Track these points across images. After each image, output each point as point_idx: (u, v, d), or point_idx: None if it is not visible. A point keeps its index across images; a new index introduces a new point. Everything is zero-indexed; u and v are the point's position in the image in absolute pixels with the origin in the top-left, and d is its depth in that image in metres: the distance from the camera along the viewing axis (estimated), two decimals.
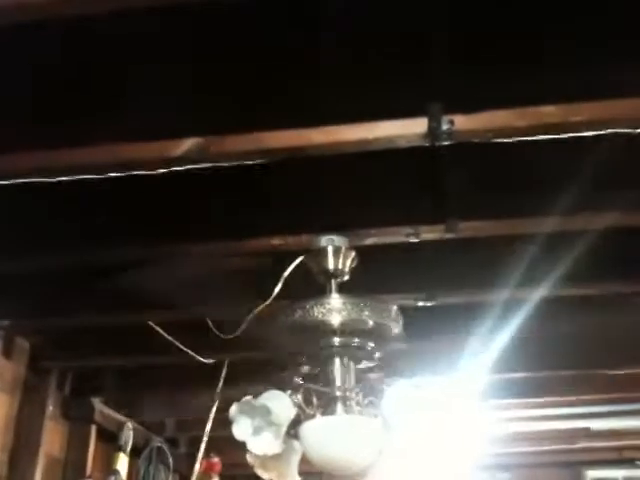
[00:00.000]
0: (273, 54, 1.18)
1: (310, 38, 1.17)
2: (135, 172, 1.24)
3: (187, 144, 1.19)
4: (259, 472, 1.35)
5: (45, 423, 2.21)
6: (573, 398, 2.93)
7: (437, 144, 1.17)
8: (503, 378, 2.55)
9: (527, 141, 1.19)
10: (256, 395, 1.28)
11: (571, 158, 1.28)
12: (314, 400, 1.33)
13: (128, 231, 1.53)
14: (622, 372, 2.55)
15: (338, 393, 1.33)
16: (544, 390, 2.74)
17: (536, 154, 1.30)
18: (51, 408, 2.26)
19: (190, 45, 1.17)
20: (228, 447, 2.95)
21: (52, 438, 2.30)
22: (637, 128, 1.18)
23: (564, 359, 2.35)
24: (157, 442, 2.88)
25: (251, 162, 1.24)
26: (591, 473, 4.04)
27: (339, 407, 1.31)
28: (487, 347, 2.12)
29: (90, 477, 2.36)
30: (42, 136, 1.20)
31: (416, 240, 1.49)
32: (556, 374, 2.57)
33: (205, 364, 1.99)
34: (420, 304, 1.76)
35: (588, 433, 3.37)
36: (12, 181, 1.25)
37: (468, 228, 1.47)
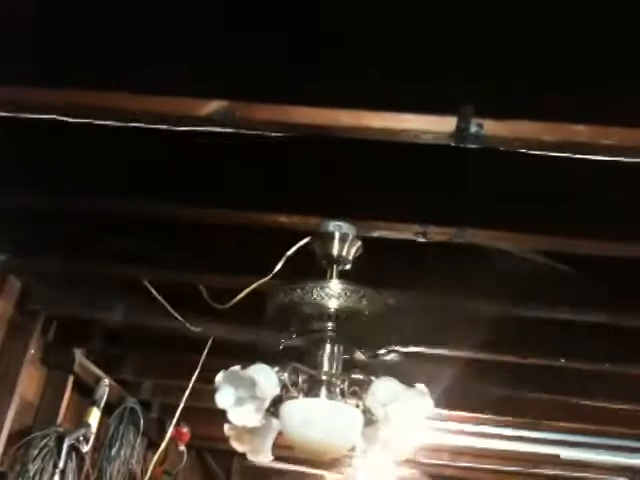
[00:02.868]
0: (311, 31, 1.17)
1: (351, 23, 1.16)
2: (156, 126, 1.22)
3: (213, 106, 1.18)
4: (234, 444, 1.34)
5: (24, 366, 2.20)
6: (548, 423, 2.93)
7: (463, 146, 1.16)
8: (480, 392, 2.55)
9: (553, 157, 1.18)
10: (243, 366, 1.28)
11: (596, 181, 1.28)
12: (299, 381, 1.33)
13: (138, 185, 1.52)
14: (600, 404, 2.55)
15: (324, 377, 1.33)
16: (518, 410, 2.74)
17: (560, 171, 1.29)
18: (32, 352, 2.25)
19: (232, 8, 1.16)
20: (198, 418, 2.97)
21: (29, 382, 2.29)
22: None
23: (543, 382, 2.35)
24: (131, 403, 2.87)
25: (272, 134, 1.23)
26: None
27: (323, 391, 1.31)
28: (469, 358, 2.13)
29: (60, 426, 2.35)
30: (69, 75, 1.19)
31: (423, 240, 1.48)
32: (533, 396, 2.57)
33: (193, 332, 1.98)
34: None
35: (557, 460, 3.38)
36: (27, 115, 1.23)
37: (478, 235, 1.46)
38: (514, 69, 1.15)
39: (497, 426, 3.11)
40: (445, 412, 2.68)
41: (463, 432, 3.20)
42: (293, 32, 1.17)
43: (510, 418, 2.91)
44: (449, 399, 2.44)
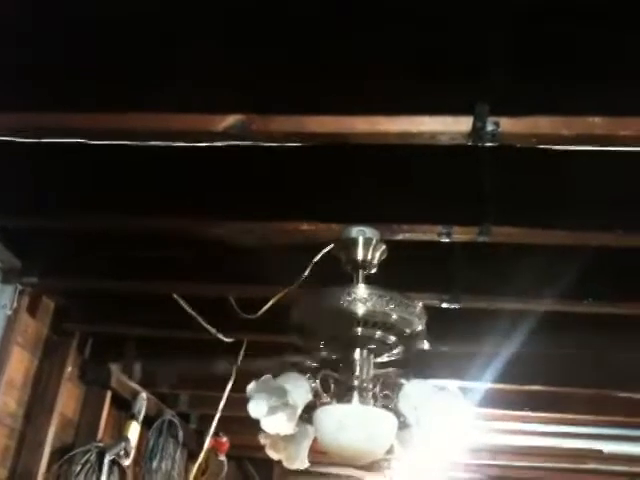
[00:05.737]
0: (323, 42, 1.18)
1: (362, 30, 1.17)
2: (177, 144, 1.24)
3: (230, 120, 1.19)
4: (269, 452, 1.36)
5: (62, 384, 2.24)
6: (589, 417, 2.89)
7: (480, 144, 1.16)
8: (518, 389, 2.53)
9: (570, 151, 1.18)
10: (275, 375, 1.29)
11: (615, 173, 1.27)
12: (331, 387, 1.34)
13: (161, 202, 1.55)
14: None
15: (355, 383, 1.34)
16: (560, 406, 2.71)
17: (579, 165, 1.29)
18: (69, 369, 2.29)
19: (243, 24, 1.17)
20: (237, 428, 2.99)
21: (67, 399, 2.33)
22: None
23: (583, 377, 2.33)
24: (169, 415, 2.91)
25: (290, 144, 1.24)
26: None
27: (355, 397, 1.32)
28: (505, 356, 2.12)
29: (101, 441, 2.39)
30: (87, 99, 1.21)
31: (448, 240, 1.48)
32: (574, 391, 2.54)
33: (224, 342, 2.01)
34: (444, 305, 1.76)
35: (600, 455, 3.33)
36: (52, 140, 1.26)
37: (501, 233, 1.46)
38: (527, 65, 1.15)
39: (537, 423, 3.08)
40: (484, 411, 2.66)
41: (503, 430, 3.17)
42: (307, 46, 1.18)
43: (550, 414, 2.87)
44: (487, 398, 2.43)
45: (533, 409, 2.74)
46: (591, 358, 2.21)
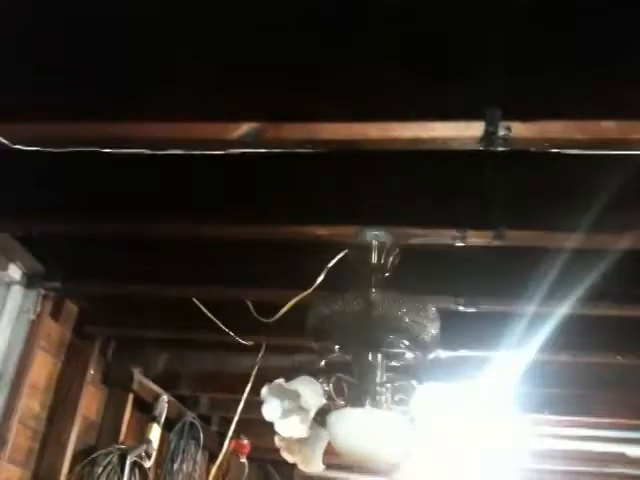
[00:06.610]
0: (336, 48, 1.19)
1: (374, 37, 1.17)
2: (193, 152, 1.26)
3: (244, 128, 1.21)
4: (284, 455, 1.37)
5: (85, 386, 2.28)
6: (610, 421, 2.87)
7: (492, 149, 1.16)
8: (539, 393, 2.52)
9: (583, 155, 1.18)
10: (288, 379, 1.31)
11: (628, 177, 1.26)
12: (344, 390, 1.35)
13: (179, 207, 1.57)
14: None
15: (369, 386, 1.34)
16: (581, 409, 2.69)
17: (592, 169, 1.29)
18: (92, 372, 2.33)
19: (256, 30, 1.19)
20: (259, 430, 3.00)
21: (90, 402, 2.37)
22: None
23: (606, 380, 2.31)
24: (190, 417, 2.94)
25: (303, 150, 1.26)
26: None
27: (368, 400, 1.33)
28: (524, 360, 2.11)
29: (122, 443, 2.42)
30: (104, 107, 1.24)
31: (462, 244, 1.48)
32: (595, 394, 2.52)
33: (243, 345, 2.03)
34: (460, 309, 1.76)
35: (623, 459, 3.30)
36: (71, 149, 1.29)
37: (515, 237, 1.46)
38: (538, 70, 1.15)
39: (559, 426, 3.05)
40: (504, 414, 2.65)
41: (523, 434, 3.15)
42: (319, 53, 1.19)
43: (571, 417, 2.85)
44: (507, 401, 2.41)
45: (554, 412, 2.72)
46: (614, 361, 2.19)
